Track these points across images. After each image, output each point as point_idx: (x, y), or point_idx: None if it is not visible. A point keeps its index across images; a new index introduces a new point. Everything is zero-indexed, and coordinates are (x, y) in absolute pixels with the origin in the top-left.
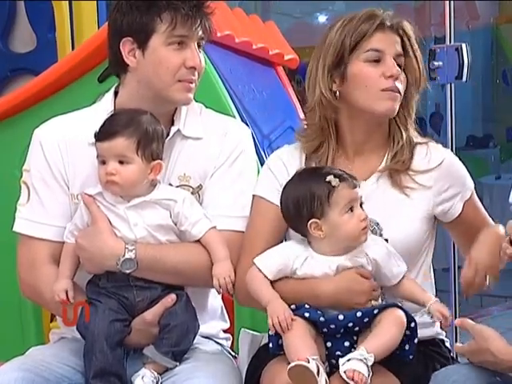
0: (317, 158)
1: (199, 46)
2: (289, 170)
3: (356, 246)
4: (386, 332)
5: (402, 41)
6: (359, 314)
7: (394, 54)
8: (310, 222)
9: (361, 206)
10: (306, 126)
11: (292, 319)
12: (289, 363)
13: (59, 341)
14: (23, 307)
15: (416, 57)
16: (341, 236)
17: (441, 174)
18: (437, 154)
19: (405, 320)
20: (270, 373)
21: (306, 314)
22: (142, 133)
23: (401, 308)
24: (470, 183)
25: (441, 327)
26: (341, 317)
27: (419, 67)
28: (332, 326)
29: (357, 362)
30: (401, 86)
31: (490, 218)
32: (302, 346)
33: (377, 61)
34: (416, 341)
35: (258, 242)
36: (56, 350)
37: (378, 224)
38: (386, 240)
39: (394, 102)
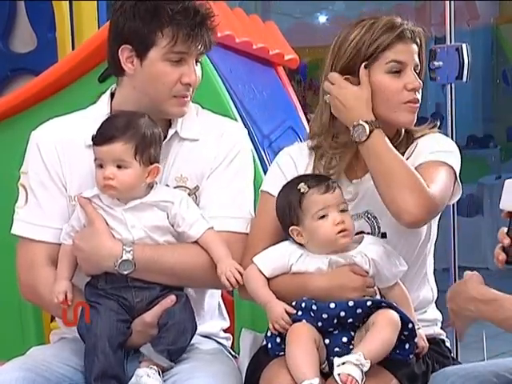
0: (327, 158)
1: (197, 60)
2: (297, 166)
3: (349, 249)
4: (381, 335)
5: (419, 50)
6: (351, 303)
7: (414, 65)
8: (290, 229)
9: (343, 210)
10: (313, 130)
11: (291, 313)
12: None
13: (60, 341)
14: (23, 307)
15: (424, 62)
16: (319, 241)
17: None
18: (422, 143)
19: (398, 321)
20: (268, 374)
21: (302, 305)
22: (140, 137)
23: (396, 309)
24: (444, 156)
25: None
26: (332, 305)
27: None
28: (324, 316)
29: (352, 366)
30: (419, 97)
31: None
32: (304, 363)
33: (398, 72)
34: (416, 340)
35: (262, 238)
36: (57, 349)
37: (375, 217)
38: (384, 234)
39: (413, 113)
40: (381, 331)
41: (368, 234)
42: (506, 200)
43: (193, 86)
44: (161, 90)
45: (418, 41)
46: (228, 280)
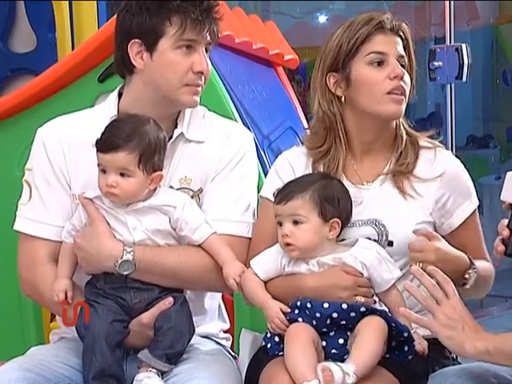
0: (325, 160)
1: (206, 50)
2: (295, 171)
3: (340, 251)
4: (368, 344)
5: (403, 43)
6: (345, 306)
7: (397, 56)
8: None
9: (297, 222)
10: (310, 133)
11: (286, 312)
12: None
13: (59, 341)
14: (23, 307)
15: (413, 58)
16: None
17: (442, 185)
18: (440, 162)
19: (384, 327)
20: (268, 374)
21: (298, 303)
22: (144, 146)
23: (389, 318)
24: (473, 201)
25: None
26: (326, 305)
27: (415, 68)
28: (317, 315)
29: (335, 365)
30: (406, 87)
31: (483, 241)
32: (303, 363)
33: (380, 63)
34: (415, 343)
35: (264, 243)
36: (57, 349)
37: (383, 226)
38: (391, 242)
39: (399, 104)
40: (366, 342)
41: (374, 241)
42: (507, 191)
43: (205, 74)
44: (172, 79)
45: (402, 34)
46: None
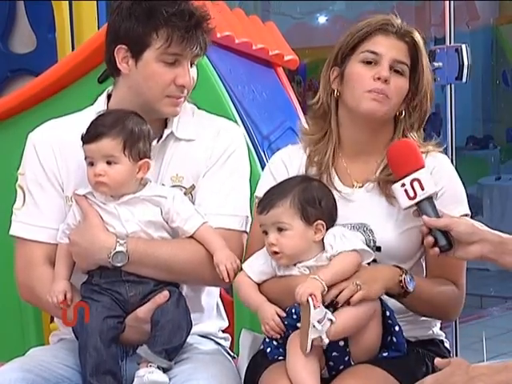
0: (317, 156)
1: (192, 62)
2: (289, 170)
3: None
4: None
5: (410, 51)
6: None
7: (393, 59)
8: None
9: (280, 230)
10: (309, 121)
11: (282, 316)
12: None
13: (59, 342)
14: (23, 308)
15: (423, 68)
16: None
17: None
18: (429, 164)
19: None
20: (267, 380)
21: (293, 310)
22: (127, 133)
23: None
24: (462, 208)
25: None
26: None
27: (428, 79)
28: None
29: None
30: (390, 90)
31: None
32: (305, 371)
33: (372, 63)
34: (397, 328)
35: (258, 243)
36: (56, 350)
37: (371, 231)
38: (379, 248)
39: (378, 103)
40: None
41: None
42: (402, 200)
43: (187, 87)
44: (154, 89)
45: (409, 41)
46: (226, 270)
